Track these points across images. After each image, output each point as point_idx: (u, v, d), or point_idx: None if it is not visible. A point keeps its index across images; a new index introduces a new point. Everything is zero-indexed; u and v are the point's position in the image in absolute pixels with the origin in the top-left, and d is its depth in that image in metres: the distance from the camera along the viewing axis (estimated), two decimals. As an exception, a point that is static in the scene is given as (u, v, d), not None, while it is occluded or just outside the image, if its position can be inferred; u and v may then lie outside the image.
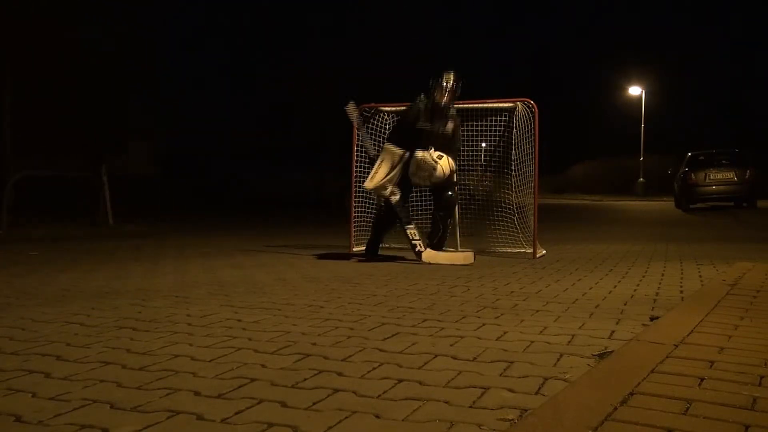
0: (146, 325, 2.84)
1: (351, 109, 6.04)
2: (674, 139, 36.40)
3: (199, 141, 34.07)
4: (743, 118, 40.77)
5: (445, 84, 5.60)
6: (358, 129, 6.12)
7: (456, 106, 5.75)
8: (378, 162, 5.60)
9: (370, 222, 6.48)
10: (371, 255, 5.81)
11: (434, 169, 5.40)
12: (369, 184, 5.58)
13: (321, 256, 5.92)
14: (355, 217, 6.46)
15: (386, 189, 5.56)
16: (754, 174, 16.13)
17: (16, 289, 3.99)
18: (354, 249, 6.33)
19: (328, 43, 41.45)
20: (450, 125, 5.64)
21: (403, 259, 5.63)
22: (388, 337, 2.53)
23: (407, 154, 5.51)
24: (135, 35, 20.89)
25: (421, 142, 5.50)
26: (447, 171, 5.48)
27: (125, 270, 5.00)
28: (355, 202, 6.46)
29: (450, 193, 5.66)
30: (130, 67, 20.87)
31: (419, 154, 5.39)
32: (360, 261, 5.54)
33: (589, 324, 2.74)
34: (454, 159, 5.70)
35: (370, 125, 6.52)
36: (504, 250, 6.09)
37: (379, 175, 5.52)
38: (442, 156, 5.45)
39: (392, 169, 5.52)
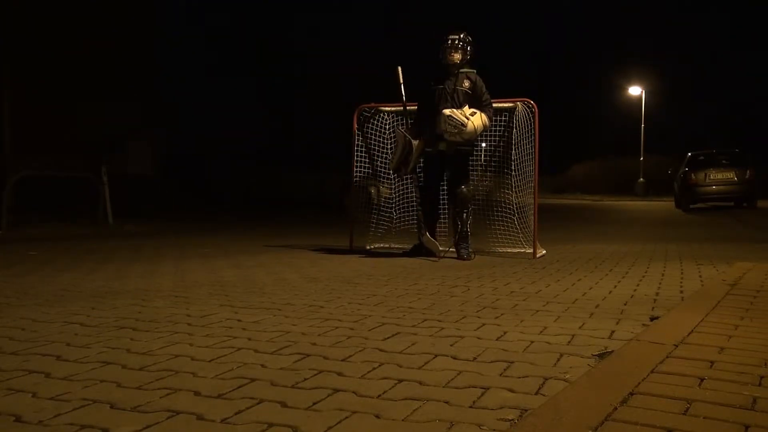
0: (146, 325, 2.84)
1: (398, 73, 5.97)
2: (674, 139, 36.42)
3: (199, 141, 34.05)
4: (744, 117, 40.76)
5: (449, 43, 5.59)
6: (402, 93, 5.97)
7: None
8: (394, 147, 5.80)
9: (370, 222, 6.50)
10: (419, 249, 5.82)
11: (463, 125, 5.36)
12: (390, 167, 5.93)
13: (321, 256, 5.92)
14: (356, 217, 6.46)
15: (400, 171, 5.72)
16: (754, 174, 16.13)
17: (16, 289, 3.99)
18: (368, 247, 6.36)
19: (328, 43, 41.48)
20: (466, 83, 5.59)
21: (402, 257, 5.63)
22: (388, 337, 2.53)
23: (408, 137, 5.57)
24: (135, 35, 20.90)
25: (438, 110, 5.51)
26: (480, 127, 5.46)
27: (125, 270, 5.00)
28: (355, 201, 6.47)
29: (463, 188, 5.67)
30: (130, 67, 20.86)
31: (446, 111, 5.39)
32: (360, 260, 5.54)
33: (589, 324, 2.74)
34: (489, 117, 5.61)
35: (370, 125, 6.52)
36: (504, 250, 6.09)
37: (394, 158, 5.70)
38: (476, 112, 5.43)
39: (404, 150, 5.56)
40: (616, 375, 1.87)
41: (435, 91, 5.64)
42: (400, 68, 5.86)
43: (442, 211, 5.87)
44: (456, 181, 5.71)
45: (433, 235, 5.77)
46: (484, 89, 5.63)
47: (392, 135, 6.37)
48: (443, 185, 5.87)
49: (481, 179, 6.32)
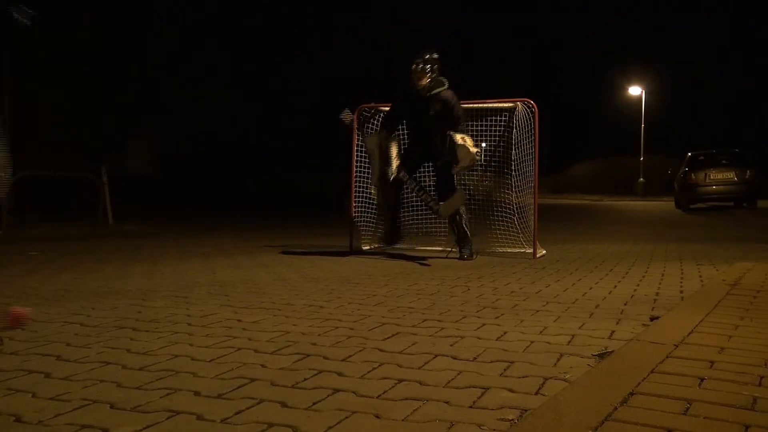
0: (146, 325, 2.84)
1: (346, 115, 6.09)
2: (674, 139, 36.42)
3: (199, 141, 34.10)
4: (744, 117, 40.77)
5: (415, 66, 5.56)
6: (358, 132, 6.13)
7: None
8: (370, 161, 5.78)
9: (371, 222, 6.49)
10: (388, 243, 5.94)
11: (476, 155, 5.45)
12: (372, 180, 5.83)
13: (321, 256, 5.92)
14: (355, 217, 6.46)
15: (389, 176, 5.67)
16: (754, 174, 16.12)
17: (16, 289, 3.99)
18: (364, 247, 6.37)
19: (328, 43, 41.50)
20: (438, 105, 5.53)
21: (402, 257, 5.64)
22: (388, 337, 2.53)
23: (367, 137, 5.72)
24: (133, 35, 20.90)
25: (413, 132, 5.63)
26: (473, 148, 5.49)
27: (125, 270, 5.00)
28: (355, 202, 6.46)
29: (440, 207, 5.64)
30: (129, 67, 20.87)
31: (472, 150, 5.34)
32: (360, 260, 5.54)
33: (589, 324, 2.74)
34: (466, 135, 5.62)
35: (369, 125, 6.52)
36: (504, 250, 6.09)
37: (374, 172, 5.68)
38: (465, 137, 5.45)
39: (383, 155, 5.56)
40: (616, 375, 1.87)
41: (410, 114, 5.71)
42: (347, 111, 6.08)
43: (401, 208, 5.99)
44: (440, 193, 5.68)
45: (397, 233, 5.97)
46: (455, 105, 5.53)
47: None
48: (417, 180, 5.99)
49: (481, 179, 6.31)
